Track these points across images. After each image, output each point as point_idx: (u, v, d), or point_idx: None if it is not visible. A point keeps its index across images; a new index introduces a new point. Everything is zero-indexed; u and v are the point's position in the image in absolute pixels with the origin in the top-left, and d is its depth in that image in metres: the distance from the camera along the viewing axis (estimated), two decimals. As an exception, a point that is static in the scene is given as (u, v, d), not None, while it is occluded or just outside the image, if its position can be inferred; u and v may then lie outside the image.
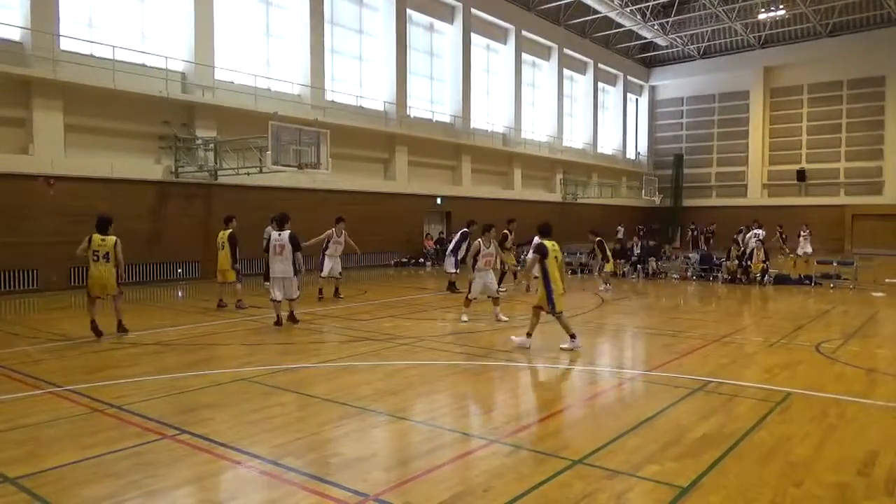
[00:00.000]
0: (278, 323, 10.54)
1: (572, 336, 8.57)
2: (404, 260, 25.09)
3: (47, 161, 15.93)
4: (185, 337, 9.78)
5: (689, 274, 20.09)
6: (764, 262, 18.05)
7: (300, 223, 19.61)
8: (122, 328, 9.81)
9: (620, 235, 31.85)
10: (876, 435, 5.24)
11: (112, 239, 9.55)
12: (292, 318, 10.77)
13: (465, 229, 15.17)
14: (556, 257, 8.60)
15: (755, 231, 20.22)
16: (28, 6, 15.77)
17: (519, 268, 14.74)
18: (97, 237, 9.52)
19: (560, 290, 8.54)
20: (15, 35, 15.97)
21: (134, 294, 15.44)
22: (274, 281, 10.67)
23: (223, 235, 12.67)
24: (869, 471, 4.45)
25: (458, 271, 15.32)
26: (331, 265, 14.16)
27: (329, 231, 14.14)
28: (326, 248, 14.15)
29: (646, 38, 40.73)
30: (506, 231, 15.62)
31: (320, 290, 14.23)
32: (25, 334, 9.96)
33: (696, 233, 33.81)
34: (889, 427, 5.51)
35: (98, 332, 9.38)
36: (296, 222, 18.18)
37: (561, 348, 8.57)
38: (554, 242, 8.73)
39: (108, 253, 9.47)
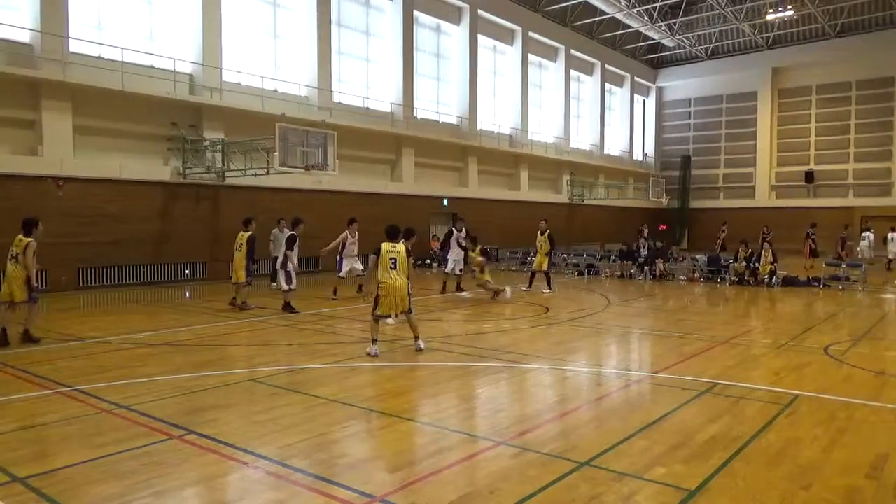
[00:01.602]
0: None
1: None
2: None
3: (56, 162, 16.03)
4: (193, 337, 9.81)
5: (696, 275, 20.02)
6: (772, 263, 17.96)
7: (307, 224, 19.71)
8: (28, 338, 9.02)
9: (645, 236, 32.05)
10: (885, 438, 5.21)
11: (27, 241, 8.88)
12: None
13: (452, 228, 16.20)
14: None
15: (865, 234, 20.23)
16: (38, 9, 15.88)
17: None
18: (18, 237, 9.01)
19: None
20: (25, 37, 16.08)
21: (142, 295, 15.53)
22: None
23: (242, 237, 12.89)
24: (878, 474, 4.42)
25: (450, 270, 16.01)
26: (350, 265, 14.61)
27: (343, 234, 14.51)
28: (343, 249, 14.58)
29: (653, 39, 40.62)
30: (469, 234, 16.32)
31: (335, 290, 14.60)
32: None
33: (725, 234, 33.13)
34: (898, 430, 5.47)
35: (3, 342, 8.70)
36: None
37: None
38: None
39: (18, 255, 8.86)
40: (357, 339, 9.72)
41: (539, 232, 16.57)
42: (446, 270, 16.14)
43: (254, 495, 4.22)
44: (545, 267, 16.38)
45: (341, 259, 14.60)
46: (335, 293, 14.46)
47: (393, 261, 8.32)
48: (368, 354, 8.34)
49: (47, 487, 4.16)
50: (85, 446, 4.91)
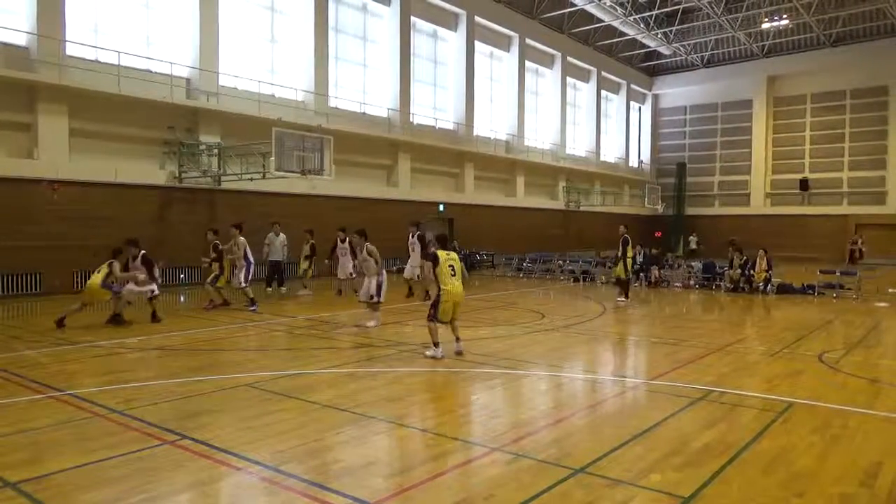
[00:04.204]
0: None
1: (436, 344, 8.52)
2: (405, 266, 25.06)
3: (52, 165, 15.99)
4: (188, 342, 9.78)
5: (691, 282, 20.06)
6: (766, 270, 18.01)
7: (302, 229, 19.67)
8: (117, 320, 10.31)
9: (694, 246, 32.58)
10: (879, 446, 5.21)
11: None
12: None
13: (420, 233, 15.73)
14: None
15: None
16: (35, 12, 15.87)
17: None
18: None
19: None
20: (21, 40, 16.07)
21: (137, 299, 15.43)
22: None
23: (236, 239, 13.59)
24: (872, 482, 4.43)
25: (409, 276, 15.84)
26: (344, 269, 15.55)
27: (240, 239, 13.90)
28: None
29: (649, 47, 40.81)
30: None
31: (339, 291, 15.52)
32: (28, 338, 9.97)
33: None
34: (892, 438, 5.48)
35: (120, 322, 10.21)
36: (299, 228, 18.27)
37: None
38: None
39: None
40: (352, 344, 9.70)
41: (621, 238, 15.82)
42: (405, 276, 15.88)
43: (247, 501, 4.21)
44: (622, 274, 15.77)
45: (248, 265, 13.74)
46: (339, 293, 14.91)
47: (451, 268, 8.49)
48: (434, 357, 8.35)
49: (39, 492, 4.13)
50: (77, 451, 4.89)
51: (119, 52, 17.30)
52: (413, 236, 15.58)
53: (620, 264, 15.83)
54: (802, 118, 39.72)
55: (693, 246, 33.30)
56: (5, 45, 15.74)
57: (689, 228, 36.83)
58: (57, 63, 16.01)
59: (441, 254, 8.50)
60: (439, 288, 8.46)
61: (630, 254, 16.12)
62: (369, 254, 10.94)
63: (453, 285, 8.43)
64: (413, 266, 15.48)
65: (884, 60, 35.64)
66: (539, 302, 15.64)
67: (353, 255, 14.65)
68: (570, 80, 37.11)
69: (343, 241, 15.33)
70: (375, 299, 10.94)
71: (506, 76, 32.69)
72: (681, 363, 8.42)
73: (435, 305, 8.47)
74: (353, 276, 15.04)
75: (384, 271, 11.16)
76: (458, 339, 8.67)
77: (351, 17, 24.89)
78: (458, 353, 8.53)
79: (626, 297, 15.76)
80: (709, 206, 42.67)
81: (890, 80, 36.29)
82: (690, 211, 42.96)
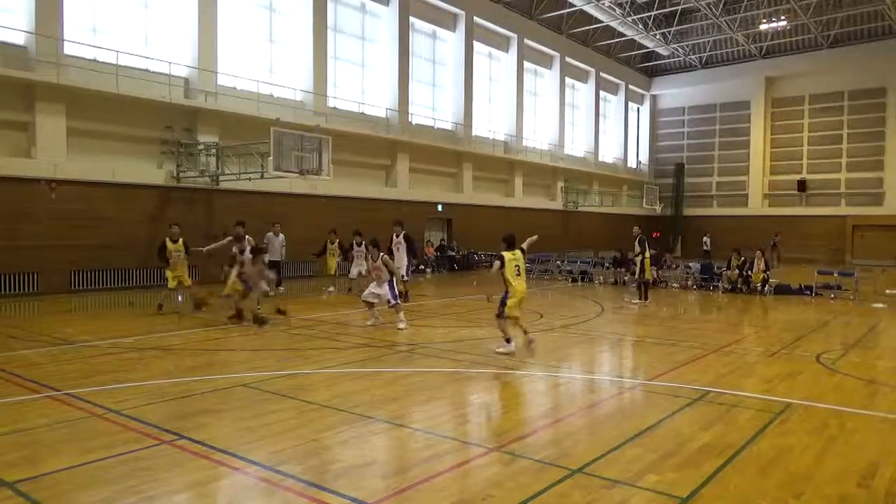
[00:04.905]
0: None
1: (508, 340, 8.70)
2: None
3: (50, 165, 15.97)
4: (186, 341, 9.77)
5: (689, 283, 20.07)
6: (764, 271, 18.03)
7: (301, 229, 19.65)
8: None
9: (707, 247, 32.49)
10: (876, 446, 5.22)
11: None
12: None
13: (405, 233, 15.29)
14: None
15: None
16: (33, 11, 15.84)
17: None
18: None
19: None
20: (19, 39, 16.04)
21: (134, 298, 15.43)
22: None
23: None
24: (869, 483, 4.44)
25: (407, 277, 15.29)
26: (357, 270, 15.40)
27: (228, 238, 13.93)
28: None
29: (648, 48, 40.84)
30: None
31: (349, 289, 15.87)
32: (25, 337, 9.95)
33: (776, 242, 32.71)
34: (890, 439, 5.49)
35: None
36: (297, 228, 18.26)
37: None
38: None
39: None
40: (350, 344, 9.70)
41: (636, 239, 15.72)
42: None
43: (245, 501, 4.20)
44: (647, 276, 15.61)
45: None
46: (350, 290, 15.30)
47: (517, 267, 8.75)
48: (506, 353, 8.48)
49: (36, 492, 4.12)
50: (74, 451, 4.87)
51: (117, 52, 17.28)
52: (398, 236, 15.06)
53: (639, 265, 15.56)
54: (800, 119, 39.77)
55: (707, 247, 33.26)
56: (3, 44, 15.71)
57: (701, 230, 36.83)
58: (55, 62, 15.98)
59: (507, 254, 8.76)
60: (506, 287, 8.75)
61: (647, 254, 15.57)
62: (384, 264, 11.25)
63: (519, 284, 8.72)
64: (398, 266, 14.58)
65: (881, 62, 35.71)
66: (537, 302, 15.63)
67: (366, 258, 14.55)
68: (568, 80, 37.12)
69: (360, 244, 15.03)
70: (393, 303, 11.15)
71: (504, 76, 32.70)
72: (679, 364, 8.42)
73: (503, 303, 8.75)
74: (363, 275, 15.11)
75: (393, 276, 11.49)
76: (525, 332, 8.93)
77: (350, 17, 24.88)
78: (531, 343, 8.75)
79: (646, 298, 15.48)
80: (707, 207, 42.72)
81: (888, 82, 36.36)
82: (688, 212, 43.02)
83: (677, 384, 7.26)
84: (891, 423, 5.92)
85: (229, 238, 13.31)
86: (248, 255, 11.47)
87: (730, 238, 29.17)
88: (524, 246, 9.15)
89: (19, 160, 15.68)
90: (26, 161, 15.76)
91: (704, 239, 34.24)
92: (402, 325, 11.01)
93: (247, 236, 12.86)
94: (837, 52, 37.07)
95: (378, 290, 11.20)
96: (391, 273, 11.26)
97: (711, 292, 18.74)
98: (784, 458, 4.88)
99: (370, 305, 11.40)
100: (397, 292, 11.38)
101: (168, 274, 12.93)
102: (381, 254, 11.32)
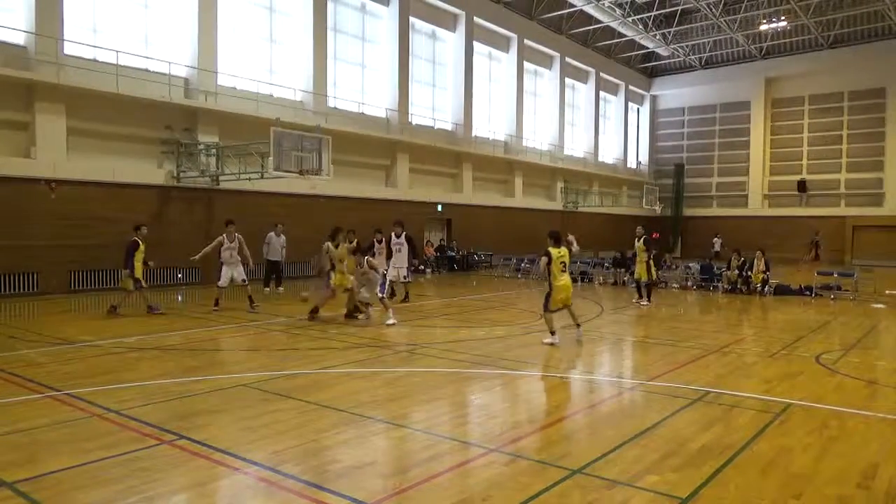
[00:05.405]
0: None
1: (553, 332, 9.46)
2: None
3: (49, 165, 15.96)
4: (185, 342, 9.77)
5: (689, 283, 20.08)
6: (764, 272, 18.03)
7: (300, 229, 19.66)
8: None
9: (717, 248, 32.59)
10: (876, 447, 5.23)
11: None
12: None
13: (406, 234, 14.73)
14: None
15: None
16: (33, 11, 15.83)
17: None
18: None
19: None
20: (19, 39, 16.03)
21: (134, 298, 15.41)
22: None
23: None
24: (869, 483, 4.44)
25: (395, 278, 14.63)
26: (230, 273, 13.53)
27: (220, 238, 13.56)
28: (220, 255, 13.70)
29: (648, 48, 40.83)
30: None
31: (216, 301, 14.05)
32: (25, 338, 9.95)
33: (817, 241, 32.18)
34: (889, 439, 5.49)
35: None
36: (297, 228, 18.23)
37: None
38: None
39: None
40: (350, 344, 9.70)
41: (636, 238, 15.68)
42: (390, 278, 14.06)
43: (245, 501, 4.20)
44: (645, 277, 15.53)
45: (221, 266, 13.34)
46: (216, 304, 13.21)
47: (563, 264, 9.41)
48: (552, 344, 9.37)
49: (36, 493, 4.12)
50: (74, 451, 4.88)
51: (117, 52, 17.27)
52: (399, 236, 14.41)
53: (643, 265, 15.51)
54: (800, 120, 39.76)
55: (717, 248, 33.26)
56: (3, 43, 15.69)
57: (713, 230, 36.84)
58: (55, 62, 15.97)
59: (553, 251, 9.32)
60: (550, 282, 9.36)
61: (644, 258, 15.53)
62: (371, 268, 11.69)
63: (564, 279, 9.41)
64: (397, 267, 14.37)
65: (881, 62, 35.69)
66: (537, 302, 15.61)
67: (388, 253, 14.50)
68: (568, 80, 37.11)
69: (380, 241, 14.27)
70: (381, 296, 11.81)
71: (504, 77, 32.69)
72: (678, 364, 8.43)
73: (547, 298, 9.30)
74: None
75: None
76: (578, 325, 9.55)
77: (350, 18, 24.88)
78: (579, 338, 9.39)
79: (649, 299, 15.47)
80: (707, 207, 42.72)
81: (888, 82, 36.33)
82: (688, 212, 43.00)
83: (677, 385, 7.26)
84: (891, 423, 5.93)
85: (217, 240, 13.38)
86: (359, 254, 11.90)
87: (730, 238, 29.20)
88: (574, 246, 9.52)
89: (19, 160, 15.66)
90: (26, 161, 15.75)
91: (714, 240, 34.23)
92: (391, 321, 11.28)
93: (237, 234, 13.29)
94: (837, 52, 37.07)
95: (368, 292, 11.67)
96: (376, 271, 11.76)
97: (711, 293, 18.74)
98: (784, 458, 4.88)
99: (365, 306, 11.84)
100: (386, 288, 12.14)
101: (139, 276, 12.64)
102: (366, 258, 11.72)
